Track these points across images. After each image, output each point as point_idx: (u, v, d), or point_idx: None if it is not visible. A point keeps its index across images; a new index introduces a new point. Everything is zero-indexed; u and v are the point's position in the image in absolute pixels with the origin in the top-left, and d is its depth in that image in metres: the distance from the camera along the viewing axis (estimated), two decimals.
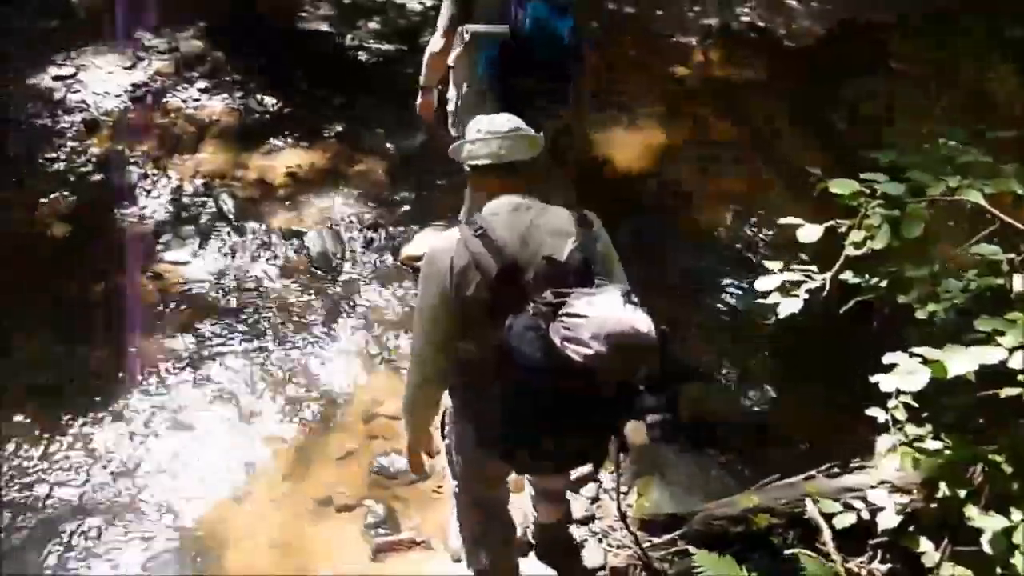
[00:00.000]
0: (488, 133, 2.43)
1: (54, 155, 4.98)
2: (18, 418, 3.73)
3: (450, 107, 3.70)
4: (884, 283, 2.68)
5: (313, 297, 4.35)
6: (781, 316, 2.57)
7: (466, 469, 2.69)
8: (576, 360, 2.01)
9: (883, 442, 2.75)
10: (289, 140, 5.23)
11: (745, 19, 6.62)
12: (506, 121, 2.46)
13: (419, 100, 3.83)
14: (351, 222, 4.74)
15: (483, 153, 2.41)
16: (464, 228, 2.32)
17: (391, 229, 4.71)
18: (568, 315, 2.06)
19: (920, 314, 2.63)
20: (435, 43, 3.61)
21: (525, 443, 2.28)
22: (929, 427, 2.69)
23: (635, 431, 3.75)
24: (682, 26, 6.52)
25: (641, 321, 2.09)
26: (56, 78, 5.48)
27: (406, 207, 4.84)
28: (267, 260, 4.51)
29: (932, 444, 2.64)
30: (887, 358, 2.41)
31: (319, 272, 4.47)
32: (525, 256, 2.25)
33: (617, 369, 2.08)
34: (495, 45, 3.40)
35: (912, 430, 2.68)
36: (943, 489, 2.60)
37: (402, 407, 2.62)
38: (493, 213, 2.34)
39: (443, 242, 2.36)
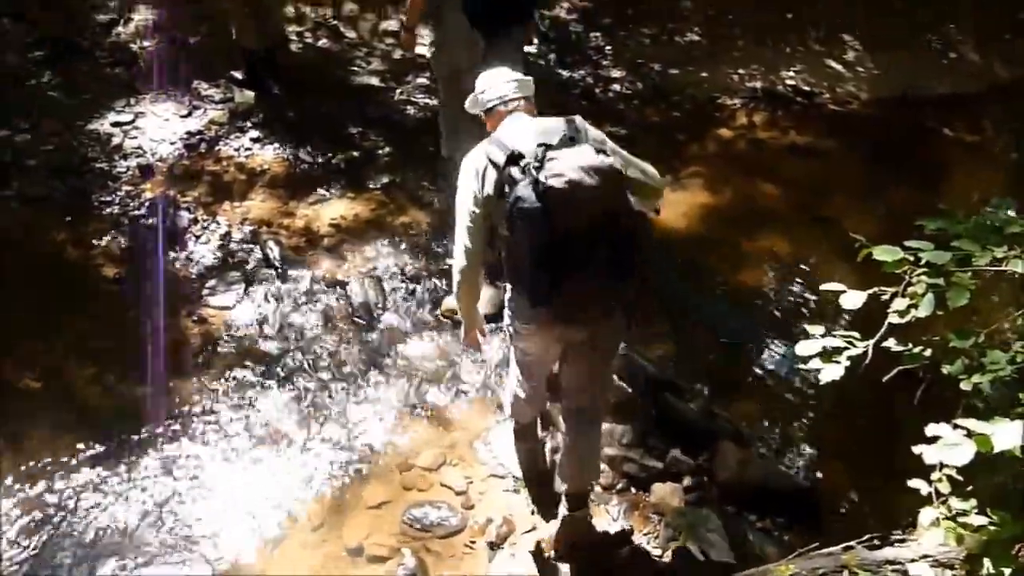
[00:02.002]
0: (499, 82, 3.09)
1: (109, 198, 5.12)
2: (62, 450, 3.79)
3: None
4: (928, 352, 2.65)
5: (353, 346, 4.38)
6: (822, 382, 2.54)
7: (519, 339, 3.23)
8: (556, 188, 2.66)
9: (926, 515, 2.68)
10: (336, 191, 5.33)
11: (790, 83, 6.66)
12: (506, 73, 3.13)
13: (403, 36, 4.87)
14: (393, 273, 4.79)
15: (494, 96, 3.07)
16: (484, 141, 3.00)
17: (433, 281, 4.75)
18: (551, 161, 2.72)
19: (965, 385, 2.59)
20: None
21: (559, 290, 2.80)
22: (974, 501, 2.62)
23: (671, 493, 3.73)
24: (727, 89, 6.58)
25: (605, 159, 2.76)
26: (115, 124, 5.68)
27: (449, 260, 4.88)
28: (310, 308, 4.57)
29: (977, 519, 2.58)
30: (931, 430, 2.37)
31: (360, 321, 4.51)
32: (525, 147, 2.82)
33: (589, 190, 2.69)
34: None
35: (956, 504, 2.62)
36: (987, 566, 2.52)
37: (453, 293, 3.22)
38: (502, 129, 3.00)
39: (472, 153, 2.99)
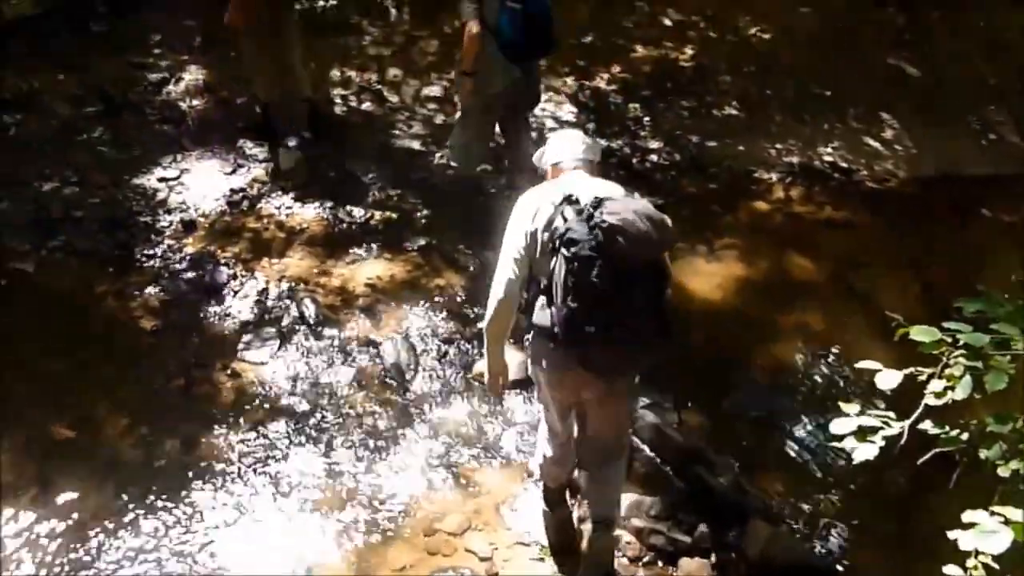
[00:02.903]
0: (570, 146, 3.33)
1: (151, 252, 5.22)
2: (90, 501, 3.82)
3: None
4: (965, 436, 2.61)
5: (384, 407, 4.40)
6: (856, 461, 2.51)
7: (543, 389, 3.37)
8: (611, 223, 2.80)
9: None
10: (373, 251, 5.39)
11: (828, 159, 6.68)
12: (579, 135, 3.42)
13: (460, 82, 5.08)
14: (426, 335, 4.82)
15: (567, 156, 3.30)
16: (541, 184, 3.28)
17: (465, 345, 4.77)
18: (609, 202, 2.91)
19: (1003, 471, 2.54)
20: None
21: (591, 327, 2.89)
22: None
23: (698, 568, 3.67)
24: (764, 162, 6.61)
25: (658, 212, 2.94)
26: (161, 179, 5.80)
27: (481, 324, 4.90)
28: (342, 366, 4.60)
29: None
30: (967, 516, 2.32)
31: (392, 382, 4.53)
32: (582, 196, 3.00)
33: (641, 233, 2.82)
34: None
35: None
36: None
37: (484, 324, 3.29)
38: (562, 179, 3.24)
39: (529, 192, 3.23)
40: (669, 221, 2.95)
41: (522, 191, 3.34)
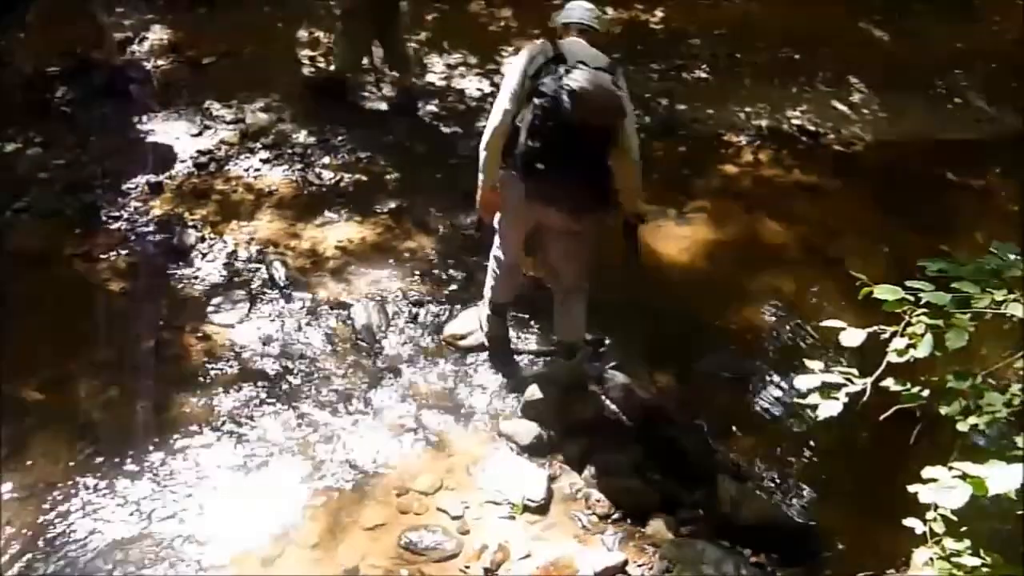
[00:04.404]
0: (577, 7, 3.96)
1: (118, 214, 5.16)
2: (61, 463, 3.81)
3: None
4: (926, 393, 2.66)
5: (354, 369, 4.41)
6: (820, 418, 2.56)
7: (503, 215, 4.06)
8: (570, 88, 3.51)
9: (920, 555, 2.69)
10: (343, 214, 5.37)
11: (796, 122, 6.72)
12: (589, 5, 3.99)
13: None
14: (397, 297, 4.82)
15: (575, 18, 3.92)
16: (544, 40, 3.88)
17: (436, 307, 4.78)
18: (578, 70, 3.57)
19: (961, 426, 2.60)
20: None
21: (541, 164, 3.67)
22: (968, 543, 2.63)
23: (666, 525, 3.74)
24: (734, 126, 6.64)
25: (616, 92, 3.65)
26: (127, 140, 5.72)
27: (453, 286, 4.92)
28: (313, 329, 4.59)
29: (970, 560, 2.59)
30: (926, 472, 2.38)
31: (362, 344, 4.53)
32: (568, 58, 3.66)
33: (594, 100, 3.55)
34: None
35: (950, 544, 2.63)
36: None
37: (482, 144, 3.85)
38: (564, 41, 3.84)
39: (533, 44, 3.88)
40: (625, 100, 3.69)
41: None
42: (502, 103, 3.75)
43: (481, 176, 3.93)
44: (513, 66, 3.84)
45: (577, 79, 3.52)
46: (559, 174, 3.67)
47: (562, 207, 3.80)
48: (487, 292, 4.40)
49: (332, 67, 6.45)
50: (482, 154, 3.87)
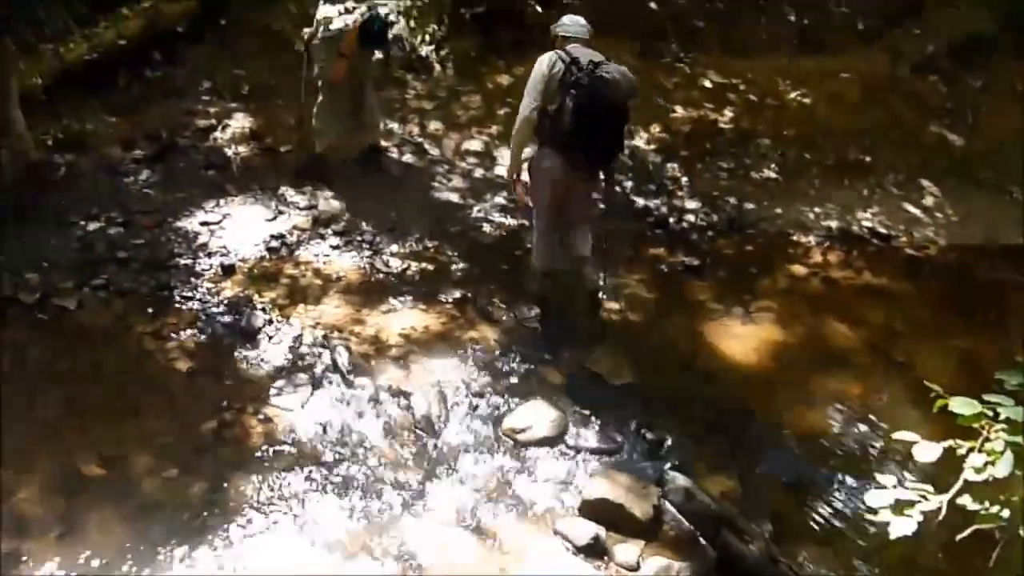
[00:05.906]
0: (574, 23, 4.97)
1: (190, 294, 5.29)
2: (116, 540, 3.81)
3: None
4: (1005, 513, 2.55)
5: (412, 458, 4.38)
6: (893, 536, 2.46)
7: (538, 190, 5.06)
8: (607, 77, 4.63)
9: None
10: (408, 302, 5.42)
11: (866, 224, 6.66)
12: (581, 20, 4.98)
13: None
14: (458, 387, 4.82)
15: (572, 32, 4.92)
16: (558, 50, 4.86)
17: (496, 399, 4.76)
18: (604, 65, 4.71)
19: None
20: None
21: (584, 139, 4.70)
22: None
23: None
24: (802, 226, 6.60)
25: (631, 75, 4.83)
26: (203, 223, 5.90)
27: (513, 379, 4.90)
28: (373, 416, 4.60)
29: None
30: None
31: (421, 433, 4.52)
32: (582, 60, 4.71)
33: (623, 85, 4.70)
34: None
35: None
36: None
37: (513, 134, 4.93)
38: (567, 49, 4.85)
39: (547, 55, 4.80)
40: (636, 82, 4.92)
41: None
42: (531, 102, 4.76)
43: (511, 160, 5.00)
44: (536, 73, 4.75)
45: (609, 71, 4.65)
46: (598, 143, 4.74)
47: (588, 170, 4.93)
48: (533, 258, 5.28)
49: (318, 148, 6.51)
50: (513, 143, 4.94)
